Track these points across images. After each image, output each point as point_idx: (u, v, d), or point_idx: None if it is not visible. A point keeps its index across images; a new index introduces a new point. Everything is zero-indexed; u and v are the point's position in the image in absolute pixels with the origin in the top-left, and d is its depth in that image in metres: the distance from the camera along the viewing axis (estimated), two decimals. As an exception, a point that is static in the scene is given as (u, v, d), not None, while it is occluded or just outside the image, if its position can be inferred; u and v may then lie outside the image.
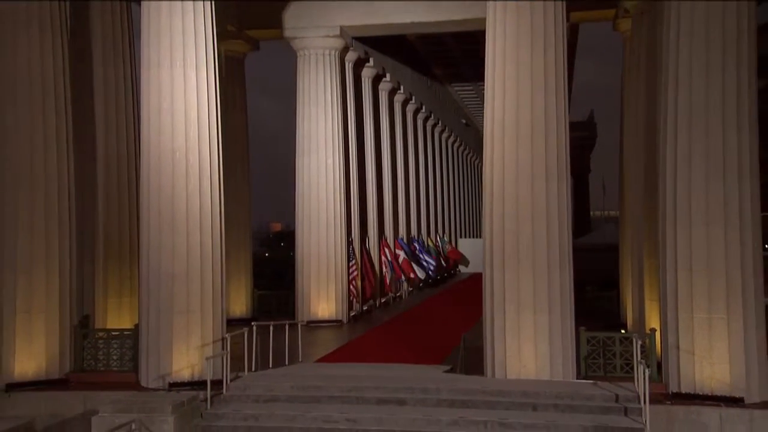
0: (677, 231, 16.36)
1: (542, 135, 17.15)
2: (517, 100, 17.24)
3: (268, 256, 76.91)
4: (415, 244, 39.81)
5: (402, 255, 35.08)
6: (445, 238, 51.31)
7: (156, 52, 17.93)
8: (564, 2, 17.76)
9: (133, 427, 14.08)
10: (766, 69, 19.87)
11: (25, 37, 18.23)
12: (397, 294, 36.43)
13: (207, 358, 16.54)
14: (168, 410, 14.59)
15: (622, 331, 21.23)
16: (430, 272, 39.72)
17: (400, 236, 37.25)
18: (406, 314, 30.62)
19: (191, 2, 17.93)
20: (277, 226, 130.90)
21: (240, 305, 28.39)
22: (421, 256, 39.16)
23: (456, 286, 43.99)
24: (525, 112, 17.19)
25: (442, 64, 42.10)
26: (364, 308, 30.45)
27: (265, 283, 38.08)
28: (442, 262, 46.03)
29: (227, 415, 15.72)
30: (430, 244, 44.93)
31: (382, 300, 33.50)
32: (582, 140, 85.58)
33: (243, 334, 18.31)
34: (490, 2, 17.72)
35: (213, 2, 18.60)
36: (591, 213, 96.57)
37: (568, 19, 26.21)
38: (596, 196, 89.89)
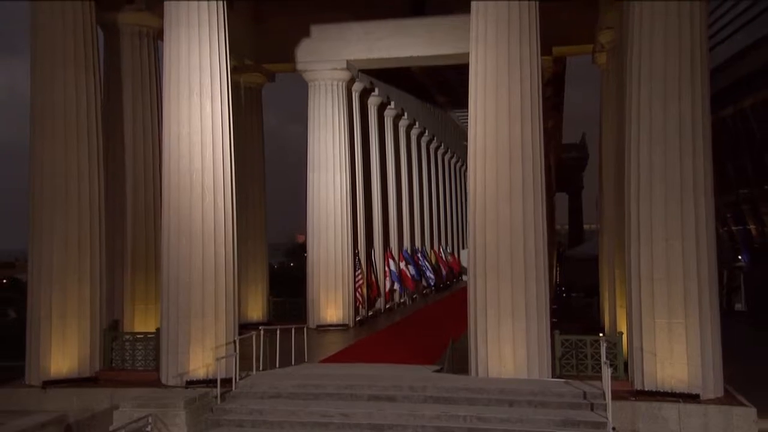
0: (640, 245, 16.56)
1: (519, 158, 17.31)
2: (496, 127, 17.41)
3: (292, 266, 77.10)
4: (418, 255, 39.95)
5: (404, 265, 35.26)
6: (448, 249, 51.44)
7: (176, 85, 18.35)
8: (538, 40, 17.92)
9: (150, 420, 14.32)
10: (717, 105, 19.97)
11: (61, 74, 18.71)
12: (401, 300, 36.57)
13: (217, 359, 16.83)
14: (181, 405, 14.87)
15: (600, 335, 21.33)
16: (430, 282, 39.85)
17: (404, 248, 37.44)
18: (407, 319, 30.68)
19: (207, 40, 18.34)
20: (301, 238, 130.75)
21: (257, 311, 28.60)
22: (423, 265, 39.28)
23: (455, 294, 43.94)
24: (503, 138, 17.35)
25: (442, 92, 42.34)
26: (370, 313, 30.60)
27: (288, 291, 38.17)
28: (444, 272, 46.12)
29: (234, 410, 15.96)
30: (433, 254, 45.06)
31: (387, 306, 33.64)
32: (575, 160, 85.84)
33: (252, 337, 18.56)
34: (472, 38, 17.95)
35: (227, 40, 18.93)
36: (584, 226, 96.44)
37: (550, 53, 26.65)
38: (590, 211, 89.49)
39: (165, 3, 18.64)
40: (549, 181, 64.92)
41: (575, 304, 35.40)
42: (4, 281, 66.54)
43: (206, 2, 18.31)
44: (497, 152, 17.39)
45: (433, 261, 43.88)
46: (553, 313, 31.50)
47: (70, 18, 18.87)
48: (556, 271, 74.42)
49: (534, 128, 17.49)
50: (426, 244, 44.47)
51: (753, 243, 50.01)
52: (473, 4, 17.92)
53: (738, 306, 40.68)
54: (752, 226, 50.22)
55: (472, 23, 17.91)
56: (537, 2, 17.88)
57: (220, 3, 18.65)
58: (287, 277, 56.80)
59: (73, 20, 18.90)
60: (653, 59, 16.38)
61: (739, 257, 50.85)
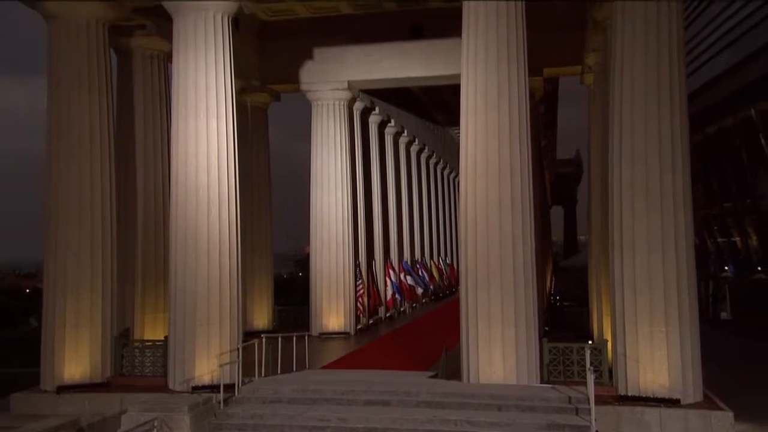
0: (623, 256, 16.69)
1: (507, 174, 17.44)
2: (486, 145, 17.56)
3: (301, 275, 77.14)
4: (418, 266, 40.04)
5: (403, 276, 35.34)
6: (447, 260, 51.49)
7: (184, 105, 18.56)
8: (526, 64, 18.07)
9: (156, 424, 14.43)
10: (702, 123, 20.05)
11: (76, 97, 18.96)
12: (401, 309, 36.60)
13: (220, 366, 16.92)
14: (185, 410, 14.97)
15: (590, 342, 21.37)
16: (429, 291, 39.91)
17: (404, 259, 37.54)
18: (406, 327, 30.71)
19: (213, 63, 18.56)
20: (307, 249, 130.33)
21: (262, 319, 28.65)
22: (422, 275, 39.36)
23: (453, 303, 43.74)
24: (492, 155, 17.49)
25: (441, 110, 42.53)
26: (370, 322, 30.66)
27: (298, 299, 38.19)
28: (443, 281, 46.16)
29: (237, 414, 16.05)
30: (433, 265, 45.13)
31: (387, 314, 33.69)
32: (570, 175, 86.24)
33: (255, 344, 18.62)
34: (463, 62, 18.13)
35: (233, 62, 19.12)
36: (579, 237, 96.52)
37: (541, 74, 26.80)
38: (584, 223, 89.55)
39: (173, 28, 18.88)
40: (544, 195, 65.05)
41: (567, 312, 35.40)
42: (27, 291, 66.79)
43: (212, 27, 18.54)
44: (487, 169, 17.53)
45: (433, 271, 43.97)
46: (546, 322, 31.62)
47: (84, 42, 19.14)
48: (552, 280, 74.45)
49: (522, 146, 17.65)
50: (426, 255, 44.56)
51: (738, 254, 50.05)
52: (464, 30, 18.12)
53: (724, 315, 40.61)
54: (737, 238, 50.28)
55: (463, 48, 18.12)
56: (524, 28, 18.05)
57: (226, 28, 18.87)
58: (297, 286, 56.89)
59: (87, 44, 19.16)
60: (635, 81, 16.57)
61: (725, 267, 50.88)
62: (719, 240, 53.87)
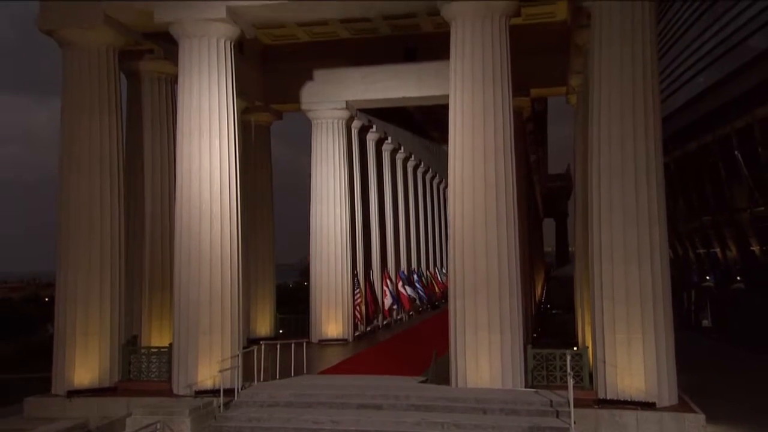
0: (602, 268, 16.83)
1: (493, 190, 17.59)
2: (473, 162, 17.73)
3: (306, 284, 77.03)
4: (414, 276, 40.10)
5: (400, 285, 35.40)
6: (443, 270, 51.50)
7: (188, 125, 18.78)
8: (510, 87, 18.21)
9: (158, 426, 14.53)
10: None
11: (87, 119, 19.23)
12: (398, 317, 36.61)
13: (220, 371, 17.03)
14: (186, 413, 15.08)
15: (575, 348, 21.43)
16: (424, 300, 39.92)
17: (402, 269, 37.60)
18: (401, 334, 30.72)
19: (216, 85, 18.77)
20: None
21: (265, 327, 28.76)
22: (417, 285, 39.40)
23: (448, 311, 43.81)
24: (479, 172, 17.66)
25: (435, 128, 42.64)
26: (368, 329, 30.70)
27: (302, 308, 38.20)
28: (439, 290, 46.16)
29: (235, 418, 16.16)
30: (430, 275, 45.17)
31: (384, 322, 33.71)
32: (561, 189, 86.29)
33: (254, 351, 18.75)
34: (451, 85, 18.32)
35: (234, 85, 19.31)
36: (570, 248, 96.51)
37: (528, 94, 27.03)
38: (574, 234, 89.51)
39: (179, 52, 19.11)
40: (535, 208, 64.86)
41: (556, 319, 35.51)
42: (46, 299, 67.11)
43: (215, 52, 18.78)
44: (473, 185, 17.69)
45: (430, 281, 44.00)
46: (535, 328, 31.68)
47: (95, 67, 19.43)
48: (544, 289, 74.48)
49: (506, 162, 17.80)
50: (423, 265, 44.61)
51: (719, 265, 50.13)
52: (451, 54, 18.34)
53: (705, 322, 40.65)
54: (717, 250, 50.40)
55: (451, 70, 18.32)
56: (508, 52, 18.21)
57: (228, 52, 19.10)
58: (302, 295, 56.92)
59: (99, 69, 19.45)
60: (611, 103, 16.76)
61: (707, 278, 50.91)
62: (701, 251, 53.95)
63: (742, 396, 22.09)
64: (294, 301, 52.36)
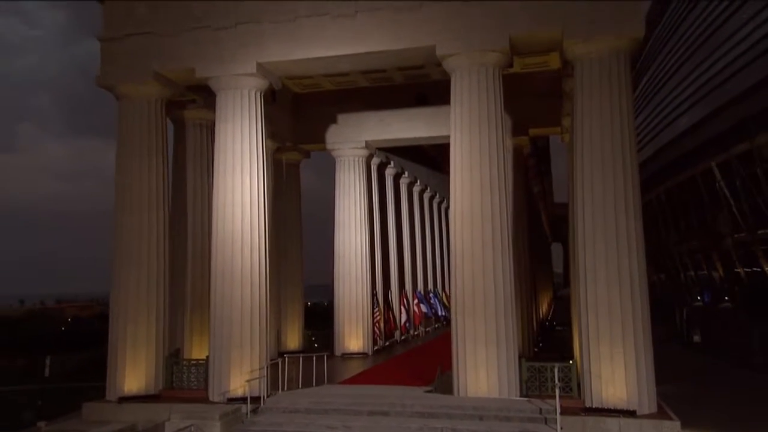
0: (587, 288, 16.93)
1: (489, 220, 17.81)
2: (471, 196, 18.02)
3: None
4: (431, 296, 40.21)
5: (416, 303, 35.55)
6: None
7: (223, 164, 19.38)
8: (503, 127, 18.51)
9: (192, 429, 14.85)
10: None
11: (138, 160, 19.91)
12: (415, 333, 36.67)
13: (248, 381, 17.35)
14: (216, 417, 15.41)
15: (570, 361, 21.39)
16: (440, 317, 39.97)
17: (418, 290, 37.76)
18: (416, 349, 30.76)
19: (248, 131, 19.39)
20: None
21: (294, 341, 29.05)
22: (434, 302, 39.50)
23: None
24: (476, 205, 17.91)
25: (447, 162, 42.85)
26: (386, 344, 30.82)
27: (329, 324, 38.42)
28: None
29: (260, 422, 16.42)
30: (444, 295, 45.20)
31: (402, 337, 33.83)
32: (564, 216, 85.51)
33: (279, 363, 19.04)
34: (451, 128, 18.71)
35: (263, 130, 19.89)
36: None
37: (527, 134, 27.31)
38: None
39: (216, 102, 19.80)
40: (541, 233, 64.25)
41: (558, 335, 35.28)
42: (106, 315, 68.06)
43: (247, 101, 19.42)
44: (472, 217, 17.95)
45: (444, 300, 44.01)
46: (536, 343, 31.51)
47: (146, 116, 20.14)
48: (551, 307, 73.70)
49: (500, 196, 18.01)
50: (438, 286, 44.68)
51: (709, 285, 49.45)
52: (452, 100, 18.73)
53: (696, 338, 40.00)
54: (705, 272, 49.79)
55: (451, 116, 18.72)
56: (502, 99, 18.51)
57: (259, 102, 19.73)
58: (329, 313, 57.06)
59: (148, 117, 20.17)
60: (593, 143, 17.00)
61: (698, 297, 50.21)
62: (692, 273, 53.27)
63: (720, 405, 21.83)
64: (326, 318, 52.54)
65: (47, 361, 23.08)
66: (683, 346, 39.71)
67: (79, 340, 50.22)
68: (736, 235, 40.80)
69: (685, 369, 29.53)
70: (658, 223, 56.48)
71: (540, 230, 63.87)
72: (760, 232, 38.59)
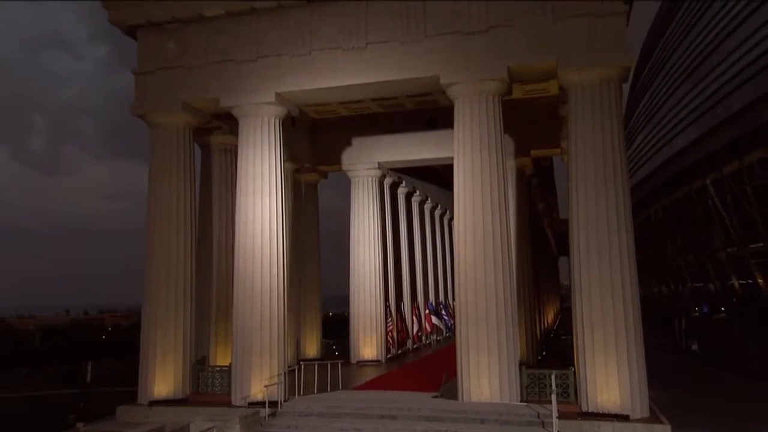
0: (582, 300, 16.94)
1: (490, 237, 17.89)
2: (473, 215, 18.10)
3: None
4: (441, 306, 40.13)
5: (426, 313, 35.53)
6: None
7: (245, 186, 19.72)
8: (503, 150, 18.61)
9: (215, 431, 15.01)
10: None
11: (167, 183, 20.30)
12: (427, 342, 36.62)
13: (266, 386, 17.51)
14: (236, 420, 15.56)
15: (569, 369, 21.26)
16: (450, 327, 39.84)
17: (430, 301, 37.74)
18: (427, 357, 30.69)
19: (268, 155, 19.72)
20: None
21: (312, 349, 29.22)
22: (444, 314, 39.42)
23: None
24: (478, 223, 18.00)
25: (457, 182, 42.92)
26: (399, 352, 30.78)
27: (348, 333, 38.45)
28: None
29: (277, 425, 16.55)
30: (454, 306, 45.04)
31: (414, 346, 33.77)
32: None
33: (296, 370, 19.17)
34: (455, 151, 18.85)
35: (281, 153, 20.19)
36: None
37: (529, 155, 27.39)
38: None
39: (239, 128, 20.19)
40: (547, 248, 63.78)
41: (563, 344, 34.97)
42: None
43: (267, 128, 19.79)
44: (474, 233, 18.04)
45: (454, 311, 43.89)
46: (540, 352, 31.29)
47: (175, 142, 20.57)
48: (558, 317, 73.00)
49: (501, 215, 18.07)
50: (449, 297, 44.58)
51: (706, 297, 48.82)
52: (455, 124, 18.90)
53: (693, 347, 39.46)
54: (701, 284, 49.19)
55: (455, 140, 18.87)
56: (502, 124, 18.66)
57: (278, 128, 20.09)
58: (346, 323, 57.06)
59: (177, 143, 20.59)
60: (586, 163, 17.07)
61: (696, 308, 49.56)
62: (689, 285, 52.63)
63: (711, 410, 21.56)
64: (343, 328, 52.56)
65: (89, 367, 23.47)
66: (682, 355, 39.21)
67: (118, 348, 50.80)
68: (729, 249, 40.34)
69: (682, 376, 29.20)
70: (657, 238, 56.05)
71: (546, 245, 63.49)
72: (751, 246, 38.15)
